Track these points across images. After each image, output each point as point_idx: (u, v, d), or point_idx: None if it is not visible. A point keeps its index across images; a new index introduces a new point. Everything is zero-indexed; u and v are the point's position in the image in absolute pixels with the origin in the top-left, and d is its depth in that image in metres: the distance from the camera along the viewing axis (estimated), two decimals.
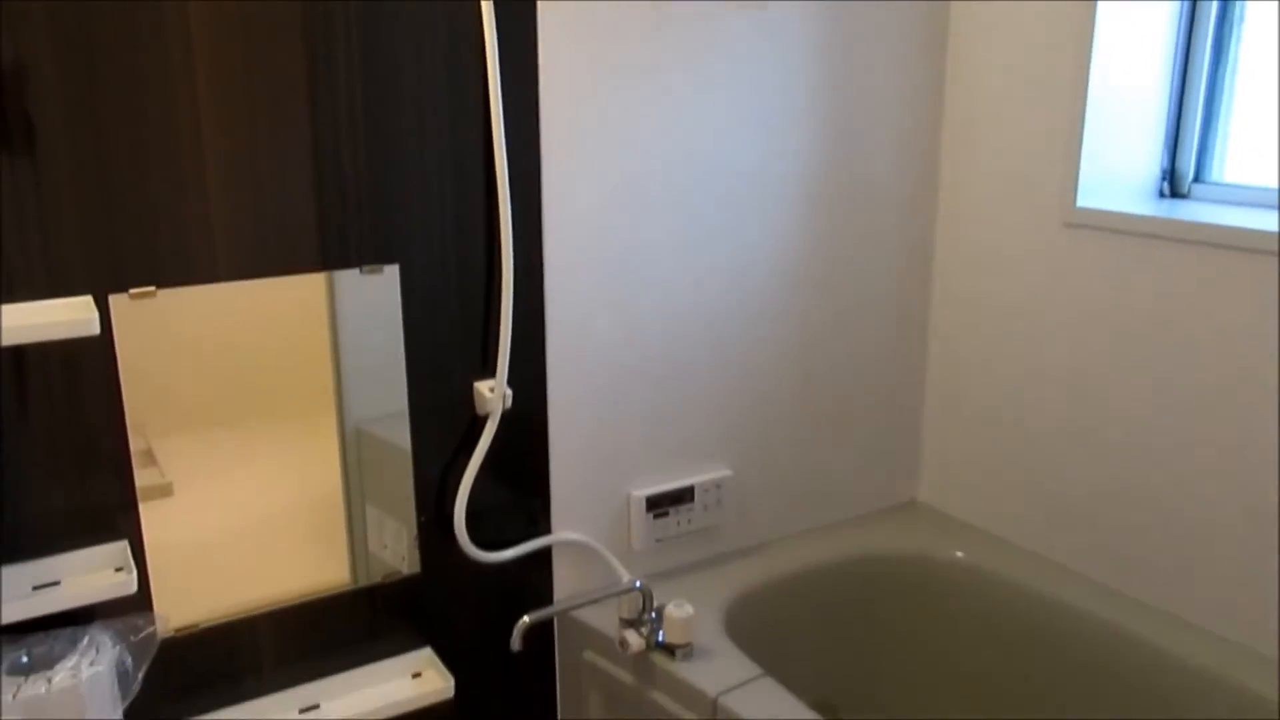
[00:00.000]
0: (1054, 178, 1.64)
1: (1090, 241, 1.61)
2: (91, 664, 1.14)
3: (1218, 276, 1.46)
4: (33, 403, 1.18)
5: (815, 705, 1.35)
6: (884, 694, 1.85)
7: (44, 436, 1.19)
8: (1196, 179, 1.66)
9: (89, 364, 1.20)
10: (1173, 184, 1.68)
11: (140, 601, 1.28)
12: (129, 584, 1.20)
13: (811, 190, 1.70)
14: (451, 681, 1.45)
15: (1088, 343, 1.64)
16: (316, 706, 1.41)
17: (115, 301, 1.20)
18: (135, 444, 1.25)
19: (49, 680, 1.10)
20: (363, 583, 1.46)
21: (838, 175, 1.72)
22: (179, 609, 1.32)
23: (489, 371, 1.49)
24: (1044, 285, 1.69)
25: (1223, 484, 1.49)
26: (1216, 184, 1.64)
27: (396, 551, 1.48)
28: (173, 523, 1.29)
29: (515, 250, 1.44)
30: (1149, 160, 1.67)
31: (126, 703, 1.20)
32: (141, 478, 1.26)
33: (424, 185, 1.37)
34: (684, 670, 1.43)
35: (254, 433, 1.34)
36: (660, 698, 1.45)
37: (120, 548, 1.25)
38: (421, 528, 1.49)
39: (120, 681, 1.19)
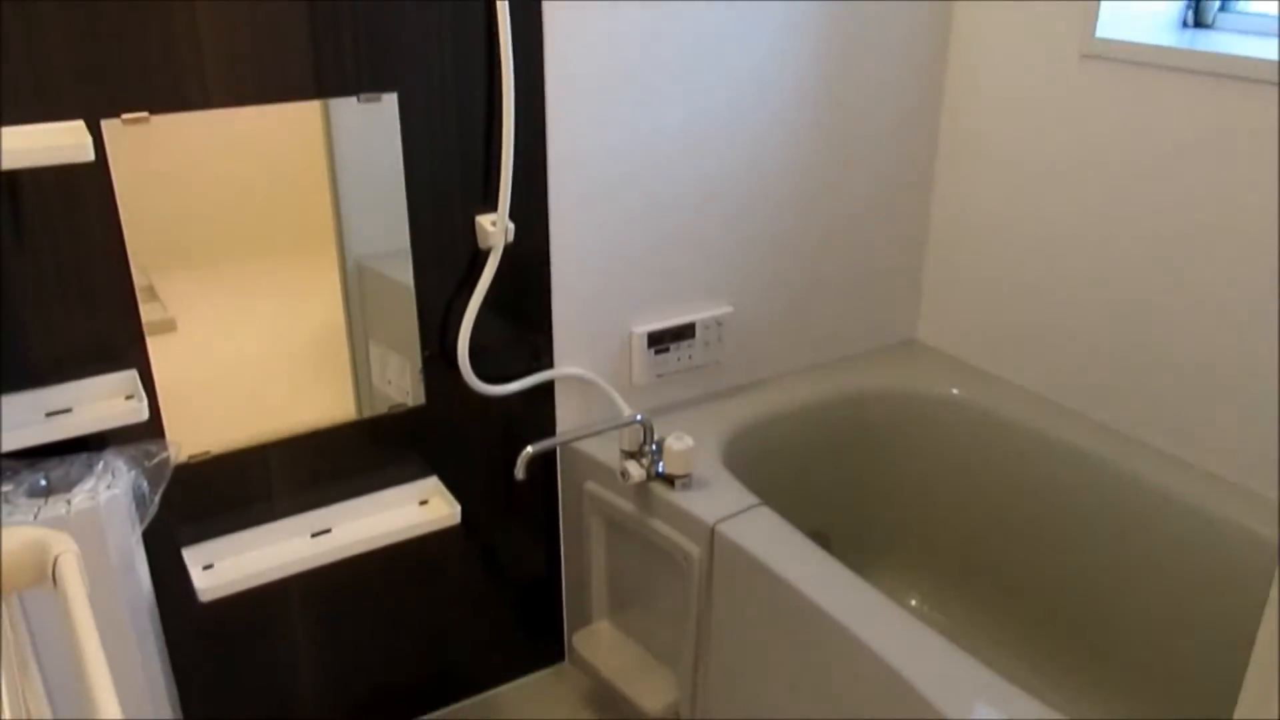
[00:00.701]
0: (1074, 6, 1.58)
1: (1106, 74, 1.56)
2: (109, 487, 1.17)
3: (1232, 109, 1.42)
4: (33, 234, 1.18)
5: (809, 535, 1.40)
6: (876, 527, 1.92)
7: (47, 267, 1.19)
8: (1223, 8, 1.60)
9: (87, 193, 1.19)
10: (1198, 14, 1.62)
11: (152, 429, 1.31)
12: (140, 411, 1.22)
13: (818, 21, 1.64)
14: (458, 508, 1.49)
15: (1096, 181, 1.61)
16: (328, 531, 1.46)
17: (108, 127, 1.17)
18: (137, 280, 1.25)
19: (68, 502, 1.14)
20: (368, 415, 1.48)
21: (846, 6, 1.66)
22: (190, 438, 1.35)
23: (490, 205, 1.47)
24: (1056, 121, 1.65)
25: (1226, 324, 1.50)
26: (1243, 13, 1.58)
27: (401, 386, 1.50)
28: (178, 357, 1.31)
29: (516, 80, 1.40)
30: None
31: (144, 525, 1.25)
32: (144, 313, 1.26)
33: (422, 9, 1.32)
34: (683, 500, 1.47)
35: (254, 269, 1.33)
36: (660, 525, 1.50)
37: (129, 376, 1.27)
38: (426, 362, 1.50)
39: (137, 504, 1.23)
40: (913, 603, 1.89)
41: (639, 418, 1.50)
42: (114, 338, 1.26)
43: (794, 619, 1.30)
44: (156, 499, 1.25)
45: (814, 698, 1.30)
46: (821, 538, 1.86)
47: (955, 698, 1.10)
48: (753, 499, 1.47)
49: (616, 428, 1.52)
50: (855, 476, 1.88)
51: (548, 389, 1.64)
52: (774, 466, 1.75)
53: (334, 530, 1.47)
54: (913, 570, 1.90)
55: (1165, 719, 1.54)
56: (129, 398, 1.25)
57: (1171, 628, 1.53)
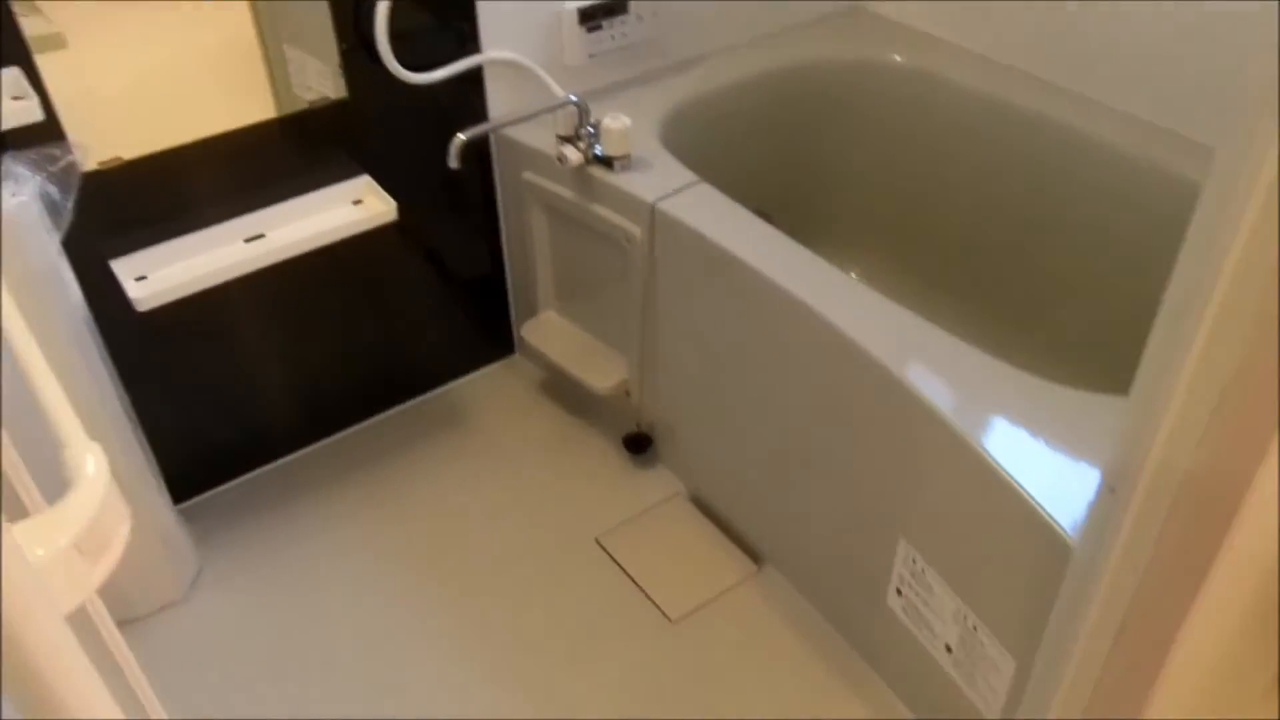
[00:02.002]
0: None
1: None
2: (13, 195, 1.11)
3: None
4: None
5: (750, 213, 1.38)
6: (817, 202, 1.91)
7: None
8: None
9: None
10: None
11: (52, 134, 1.22)
12: (32, 110, 1.14)
13: None
14: (393, 205, 1.45)
15: None
16: (261, 236, 1.42)
17: None
18: None
19: None
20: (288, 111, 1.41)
21: None
22: (98, 144, 1.27)
23: None
24: None
25: None
26: None
27: (320, 91, 1.42)
28: (74, 72, 1.20)
29: None
30: None
31: (62, 234, 1.19)
32: (25, 27, 1.15)
33: None
34: (622, 180, 1.44)
35: None
36: (600, 209, 1.47)
37: (13, 75, 1.16)
38: (344, 55, 1.40)
39: (50, 212, 1.17)
40: (852, 275, 1.91)
41: (573, 98, 1.43)
42: None
43: (738, 289, 1.31)
44: (69, 205, 1.18)
45: (761, 365, 1.34)
46: (763, 215, 1.85)
47: (900, 353, 1.14)
48: (692, 176, 1.44)
49: (550, 110, 1.46)
50: (796, 152, 1.84)
51: (477, 76, 1.55)
52: (714, 145, 1.71)
53: (268, 235, 1.43)
54: (853, 245, 1.92)
55: (1100, 373, 1.62)
56: (16, 98, 1.16)
57: (1119, 285, 1.57)
